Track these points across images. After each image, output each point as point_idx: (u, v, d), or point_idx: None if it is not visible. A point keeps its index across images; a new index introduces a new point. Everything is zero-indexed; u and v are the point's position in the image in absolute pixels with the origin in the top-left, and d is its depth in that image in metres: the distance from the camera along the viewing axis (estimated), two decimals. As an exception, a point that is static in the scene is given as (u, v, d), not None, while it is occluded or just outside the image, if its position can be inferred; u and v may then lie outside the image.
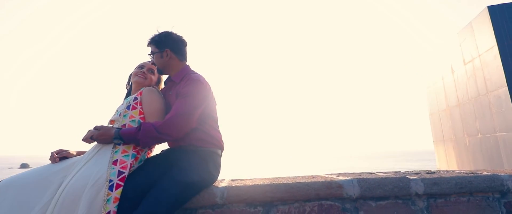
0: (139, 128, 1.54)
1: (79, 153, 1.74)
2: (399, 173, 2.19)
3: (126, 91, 2.03)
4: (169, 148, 1.79)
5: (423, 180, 1.75)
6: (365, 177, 1.83)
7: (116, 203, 1.37)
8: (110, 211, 1.35)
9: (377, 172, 2.27)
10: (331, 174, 2.19)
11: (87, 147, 1.75)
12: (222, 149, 1.79)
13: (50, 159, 1.62)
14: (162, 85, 2.03)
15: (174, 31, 1.88)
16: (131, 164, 1.51)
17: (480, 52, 3.92)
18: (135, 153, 1.57)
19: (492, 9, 3.61)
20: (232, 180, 2.06)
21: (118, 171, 1.45)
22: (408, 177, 1.79)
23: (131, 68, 2.06)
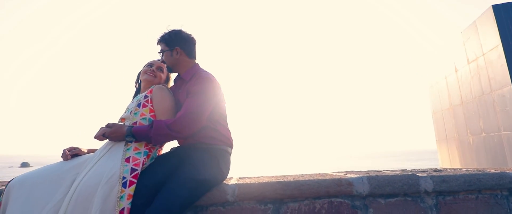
0: (151, 125, 1.55)
1: (90, 151, 1.74)
2: (406, 171, 2.19)
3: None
4: (179, 145, 1.80)
5: (432, 177, 1.76)
6: (374, 174, 1.84)
7: (130, 200, 1.38)
8: (124, 207, 1.36)
9: (384, 170, 2.28)
10: (338, 172, 2.20)
11: (97, 144, 1.76)
12: (231, 146, 1.80)
13: (62, 156, 1.63)
14: (171, 84, 2.04)
15: (184, 30, 1.89)
16: (143, 161, 1.52)
17: (484, 51, 3.93)
18: (147, 150, 1.58)
19: (496, 8, 3.62)
20: (239, 178, 2.07)
21: (131, 168, 1.46)
22: (417, 174, 1.80)
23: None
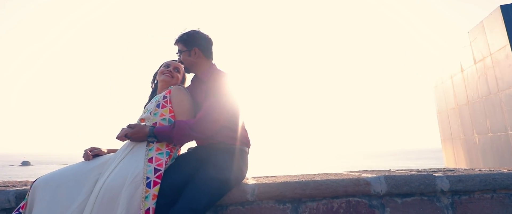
0: (173, 126, 1.57)
1: (110, 151, 1.76)
2: (419, 170, 2.21)
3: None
4: (197, 145, 1.82)
5: (448, 177, 1.78)
6: (388, 174, 1.86)
7: (155, 200, 1.40)
8: (149, 207, 1.37)
9: (396, 170, 2.30)
10: (352, 171, 2.22)
11: (116, 144, 1.77)
12: (249, 146, 1.82)
13: (83, 157, 1.64)
14: (187, 84, 2.06)
15: (201, 30, 1.90)
16: (165, 161, 1.54)
17: (492, 51, 3.94)
18: (169, 151, 1.60)
19: (504, 8, 3.63)
20: (254, 177, 2.09)
21: (154, 168, 1.47)
22: (433, 174, 1.82)
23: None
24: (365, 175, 1.86)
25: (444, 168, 2.39)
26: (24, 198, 1.51)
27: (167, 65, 1.95)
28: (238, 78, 1.81)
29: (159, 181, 1.45)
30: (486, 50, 3.93)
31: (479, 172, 2.00)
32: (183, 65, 1.92)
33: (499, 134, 3.95)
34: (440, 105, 5.58)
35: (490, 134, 4.12)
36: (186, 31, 1.88)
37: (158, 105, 1.73)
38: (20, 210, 1.45)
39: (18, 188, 1.69)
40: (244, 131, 1.81)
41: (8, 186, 1.81)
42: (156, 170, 1.47)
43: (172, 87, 1.80)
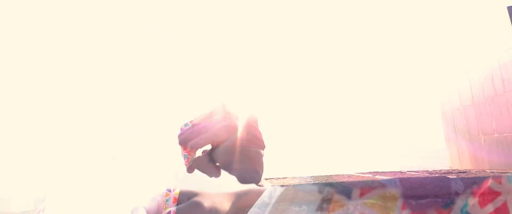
0: (190, 128, 1.58)
1: None
2: (428, 171, 2.23)
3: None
4: (212, 148, 1.83)
5: (462, 179, 1.79)
6: (404, 176, 1.88)
7: (175, 203, 1.41)
8: (170, 211, 1.38)
9: (407, 171, 2.32)
10: (364, 173, 2.23)
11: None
12: (264, 148, 1.83)
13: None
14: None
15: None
16: (184, 164, 1.54)
17: (498, 52, 3.95)
18: (187, 154, 1.60)
19: (511, 10, 3.64)
20: (265, 179, 2.10)
21: (174, 171, 1.49)
22: (448, 176, 1.83)
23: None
24: (378, 177, 1.87)
25: (455, 169, 2.40)
26: (43, 202, 1.52)
27: None
28: (252, 78, 1.82)
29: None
30: (493, 51, 3.94)
31: (491, 174, 2.01)
32: None
33: (505, 134, 3.95)
34: (445, 106, 5.59)
35: (496, 135, 4.13)
36: None
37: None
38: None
39: (34, 193, 1.70)
40: (259, 132, 1.82)
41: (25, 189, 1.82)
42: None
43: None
